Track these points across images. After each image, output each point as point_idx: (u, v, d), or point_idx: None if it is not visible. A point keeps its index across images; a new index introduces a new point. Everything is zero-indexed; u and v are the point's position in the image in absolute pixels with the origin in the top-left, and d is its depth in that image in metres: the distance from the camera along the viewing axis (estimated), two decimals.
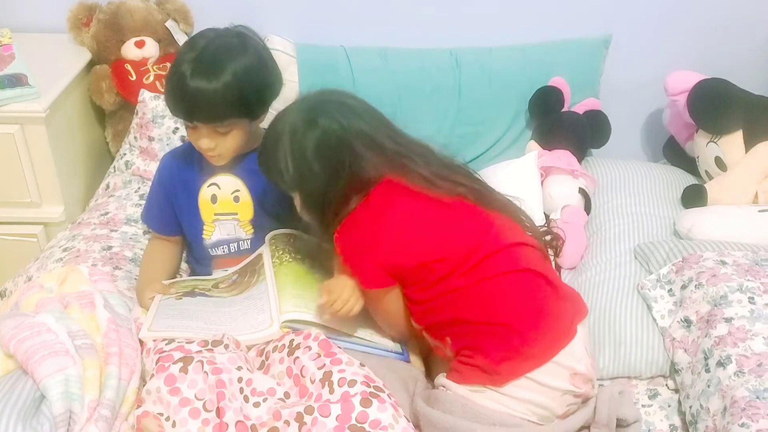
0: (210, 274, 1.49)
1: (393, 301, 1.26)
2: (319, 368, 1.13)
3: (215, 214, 1.46)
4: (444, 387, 1.20)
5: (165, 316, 1.28)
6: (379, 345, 1.31)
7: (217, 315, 1.30)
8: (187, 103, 1.30)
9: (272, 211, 1.46)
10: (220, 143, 1.35)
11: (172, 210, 1.49)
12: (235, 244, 1.47)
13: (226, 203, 1.45)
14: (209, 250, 1.47)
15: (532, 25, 2.01)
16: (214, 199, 1.45)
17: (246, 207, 1.45)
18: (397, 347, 1.34)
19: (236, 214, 1.45)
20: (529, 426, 1.16)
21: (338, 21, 2.00)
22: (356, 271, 1.23)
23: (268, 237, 1.44)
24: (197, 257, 1.52)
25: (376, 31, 1.99)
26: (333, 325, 1.27)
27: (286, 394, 1.15)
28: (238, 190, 1.45)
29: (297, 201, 1.29)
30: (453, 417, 1.14)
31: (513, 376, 1.15)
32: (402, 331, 1.31)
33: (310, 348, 1.17)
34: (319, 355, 1.16)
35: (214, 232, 1.46)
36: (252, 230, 1.46)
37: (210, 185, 1.45)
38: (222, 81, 1.27)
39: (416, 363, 1.36)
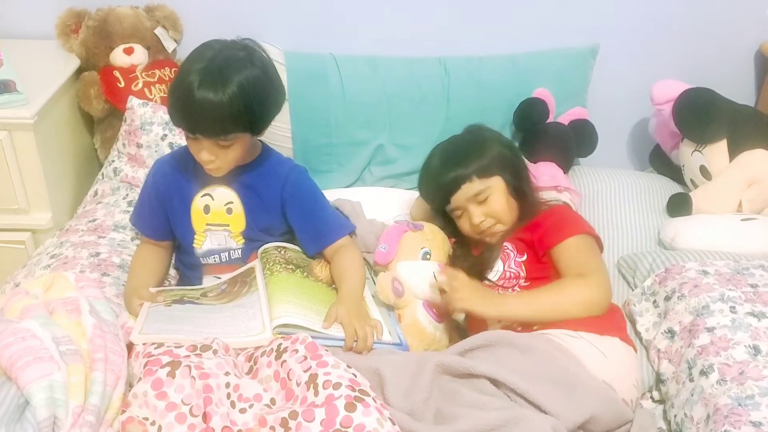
0: (200, 281, 1.48)
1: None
2: (305, 371, 1.13)
3: (207, 224, 1.44)
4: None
5: (155, 320, 1.28)
6: (378, 341, 1.31)
7: (208, 320, 1.29)
8: (193, 115, 1.28)
9: (264, 225, 1.46)
10: (221, 156, 1.33)
11: (165, 215, 1.47)
12: (226, 254, 1.46)
13: (218, 214, 1.43)
14: (200, 258, 1.47)
15: (520, 35, 2.02)
16: (207, 209, 1.43)
17: (238, 219, 1.44)
18: (395, 339, 1.34)
19: (228, 225, 1.44)
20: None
21: (327, 29, 2.02)
22: (583, 225, 1.47)
23: (259, 251, 1.44)
24: (187, 263, 1.51)
25: (365, 39, 2.01)
26: (325, 331, 1.28)
27: (272, 401, 1.15)
28: (231, 202, 1.43)
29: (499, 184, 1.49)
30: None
31: (614, 332, 1.34)
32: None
33: (297, 351, 1.17)
34: (306, 358, 1.15)
35: (205, 242, 1.45)
36: (243, 241, 1.45)
37: (204, 195, 1.43)
38: (228, 93, 1.26)
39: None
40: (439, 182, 1.51)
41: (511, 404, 1.17)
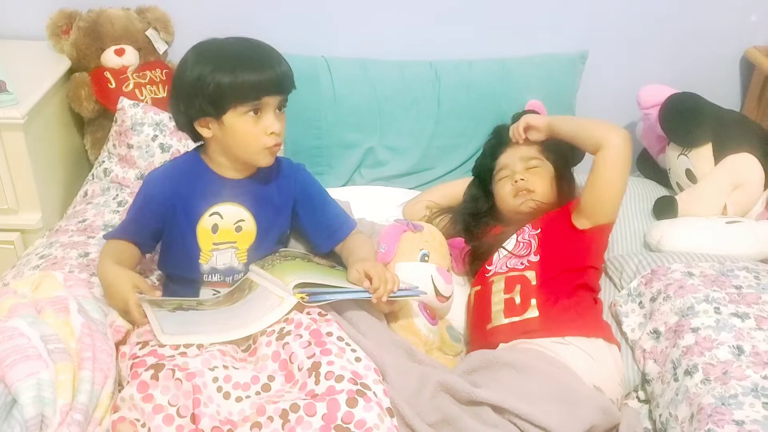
0: (195, 295, 1.41)
1: None
2: (309, 357, 1.13)
3: (214, 243, 1.37)
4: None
5: (172, 323, 1.23)
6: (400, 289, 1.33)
7: (223, 317, 1.27)
8: (268, 71, 1.27)
9: (276, 235, 1.42)
10: (281, 128, 1.31)
11: (157, 229, 1.38)
12: (230, 277, 1.39)
13: (226, 233, 1.36)
14: (203, 275, 1.39)
15: (510, 40, 2.04)
16: (215, 228, 1.36)
17: (247, 236, 1.38)
18: (413, 287, 1.38)
19: (235, 242, 1.37)
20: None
21: (319, 31, 2.02)
22: None
23: (252, 265, 1.40)
24: (180, 278, 1.41)
25: (357, 42, 2.01)
26: (340, 284, 1.29)
27: (270, 378, 1.15)
28: (242, 220, 1.37)
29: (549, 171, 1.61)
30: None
31: (598, 332, 1.37)
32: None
33: (301, 336, 1.17)
34: (310, 344, 1.16)
35: (210, 260, 1.37)
36: (246, 259, 1.39)
37: (212, 214, 1.35)
38: (280, 58, 1.32)
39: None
40: (502, 134, 1.71)
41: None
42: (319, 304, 1.27)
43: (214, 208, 1.36)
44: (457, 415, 1.18)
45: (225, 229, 1.36)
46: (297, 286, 1.25)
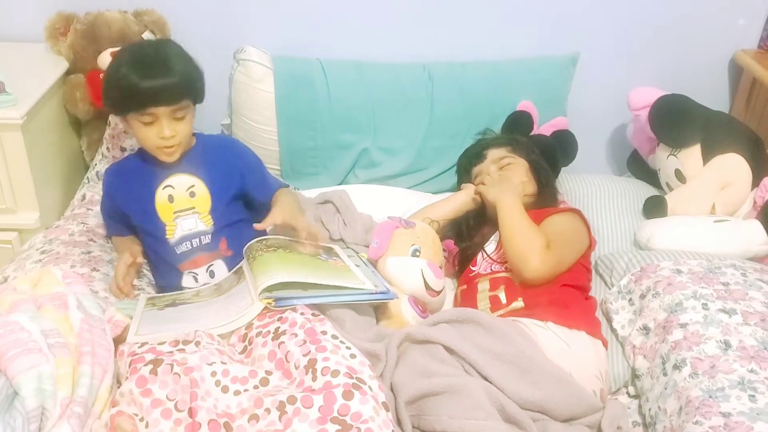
0: (176, 273, 1.49)
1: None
2: (305, 355, 1.15)
3: (174, 212, 1.48)
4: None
5: (149, 323, 1.30)
6: (364, 290, 1.35)
7: (200, 314, 1.32)
8: (151, 88, 1.36)
9: (229, 196, 1.51)
10: (178, 131, 1.41)
11: (124, 218, 1.54)
12: (197, 240, 1.48)
13: (183, 200, 1.48)
14: (175, 248, 1.48)
15: (502, 43, 2.06)
16: (171, 198, 1.48)
17: (203, 199, 1.49)
18: (381, 287, 1.39)
19: (194, 207, 1.48)
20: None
21: (314, 34, 2.04)
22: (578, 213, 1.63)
23: (244, 250, 1.46)
24: (161, 255, 1.51)
25: (352, 44, 2.03)
26: (311, 279, 1.32)
27: (268, 372, 1.17)
28: (193, 185, 1.48)
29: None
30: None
31: (581, 326, 1.39)
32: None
33: (296, 335, 1.20)
34: (305, 342, 1.18)
35: (176, 230, 1.48)
36: (212, 222, 1.49)
37: (164, 188, 1.48)
38: (175, 65, 1.40)
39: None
40: (471, 150, 1.86)
41: (459, 372, 1.22)
42: (287, 307, 1.29)
43: (165, 182, 1.48)
44: (407, 351, 1.25)
45: (180, 197, 1.48)
46: (265, 289, 1.28)
